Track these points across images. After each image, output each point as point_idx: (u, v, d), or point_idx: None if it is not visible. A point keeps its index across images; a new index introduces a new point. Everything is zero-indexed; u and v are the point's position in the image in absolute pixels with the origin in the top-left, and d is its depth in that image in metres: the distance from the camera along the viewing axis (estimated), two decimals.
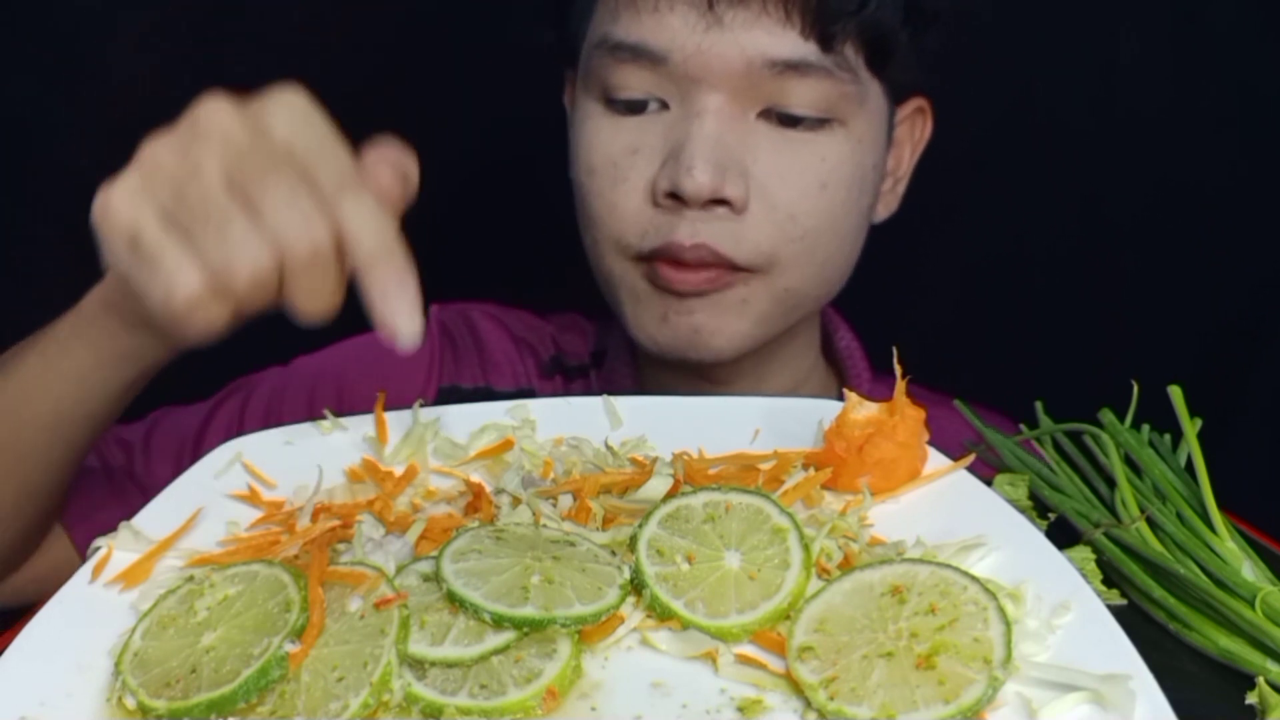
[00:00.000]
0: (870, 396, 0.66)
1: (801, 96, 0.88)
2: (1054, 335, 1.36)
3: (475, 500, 0.64)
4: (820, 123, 0.89)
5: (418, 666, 0.50)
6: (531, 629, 0.51)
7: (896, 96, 0.97)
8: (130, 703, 0.49)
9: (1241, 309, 1.37)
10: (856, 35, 0.88)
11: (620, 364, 1.07)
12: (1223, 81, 1.29)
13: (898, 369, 0.66)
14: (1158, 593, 0.60)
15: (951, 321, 1.38)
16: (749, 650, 0.52)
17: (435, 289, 1.40)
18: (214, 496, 0.66)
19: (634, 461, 0.68)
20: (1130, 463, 0.71)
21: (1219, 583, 0.59)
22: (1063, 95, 1.32)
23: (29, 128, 1.29)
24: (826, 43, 0.86)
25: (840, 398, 1.07)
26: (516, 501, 0.63)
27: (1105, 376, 0.76)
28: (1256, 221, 1.33)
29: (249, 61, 1.29)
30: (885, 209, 1.03)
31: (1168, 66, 1.30)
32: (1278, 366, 1.35)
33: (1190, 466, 0.68)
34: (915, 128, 1.03)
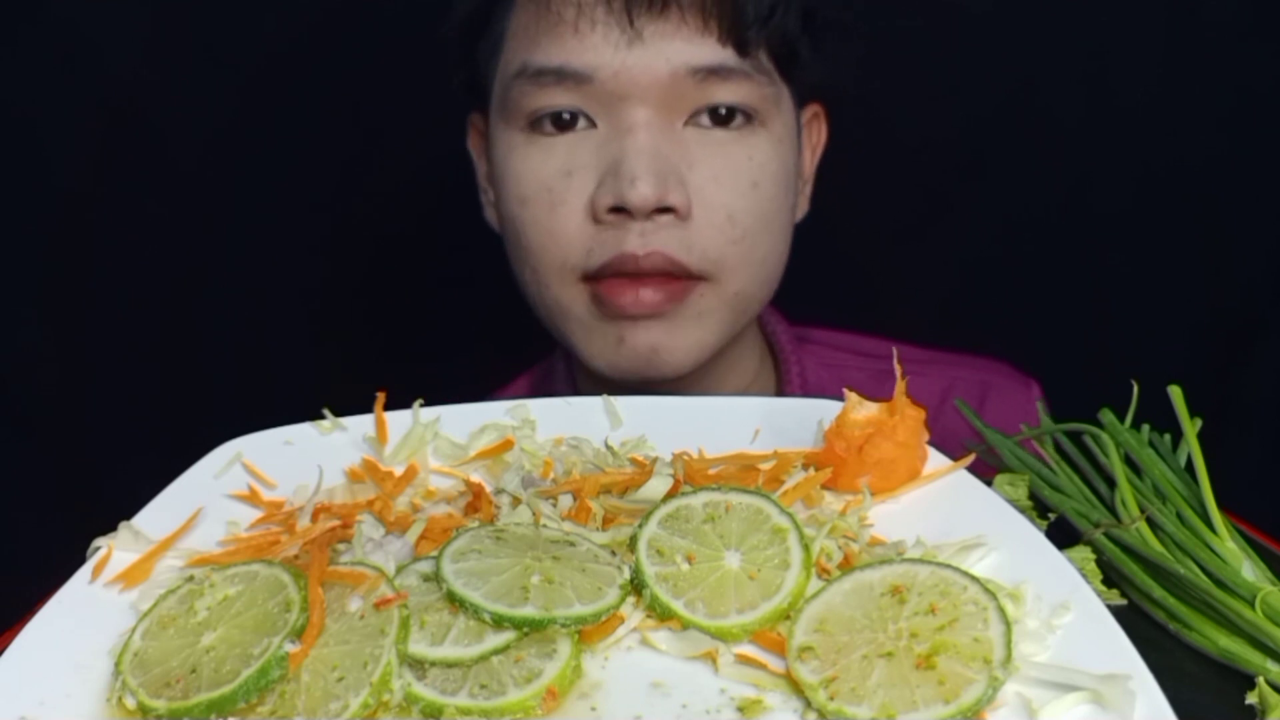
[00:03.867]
0: (869, 396, 0.66)
1: (724, 100, 0.90)
2: (1054, 335, 1.36)
3: (475, 500, 0.64)
4: (745, 121, 0.91)
5: (418, 666, 0.50)
6: (531, 629, 0.51)
7: (799, 101, 0.99)
8: (130, 703, 0.49)
9: (1241, 309, 1.37)
10: (767, 41, 0.91)
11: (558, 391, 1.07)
12: (1220, 79, 1.29)
13: (898, 369, 0.66)
14: (1158, 593, 0.60)
15: (950, 321, 1.38)
16: (749, 650, 0.52)
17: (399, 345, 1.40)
18: (214, 496, 0.66)
19: (634, 461, 0.68)
20: (1130, 463, 0.71)
21: (1219, 583, 0.59)
22: (1061, 94, 1.32)
23: (29, 127, 1.30)
24: (743, 48, 0.89)
25: (780, 386, 1.09)
26: (516, 501, 0.63)
27: (1105, 376, 0.76)
28: (1256, 221, 1.33)
29: (243, 66, 1.30)
30: (800, 211, 1.04)
31: (1163, 64, 1.30)
32: (1277, 366, 1.35)
33: (1190, 466, 0.68)
34: (813, 132, 1.05)
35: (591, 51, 0.88)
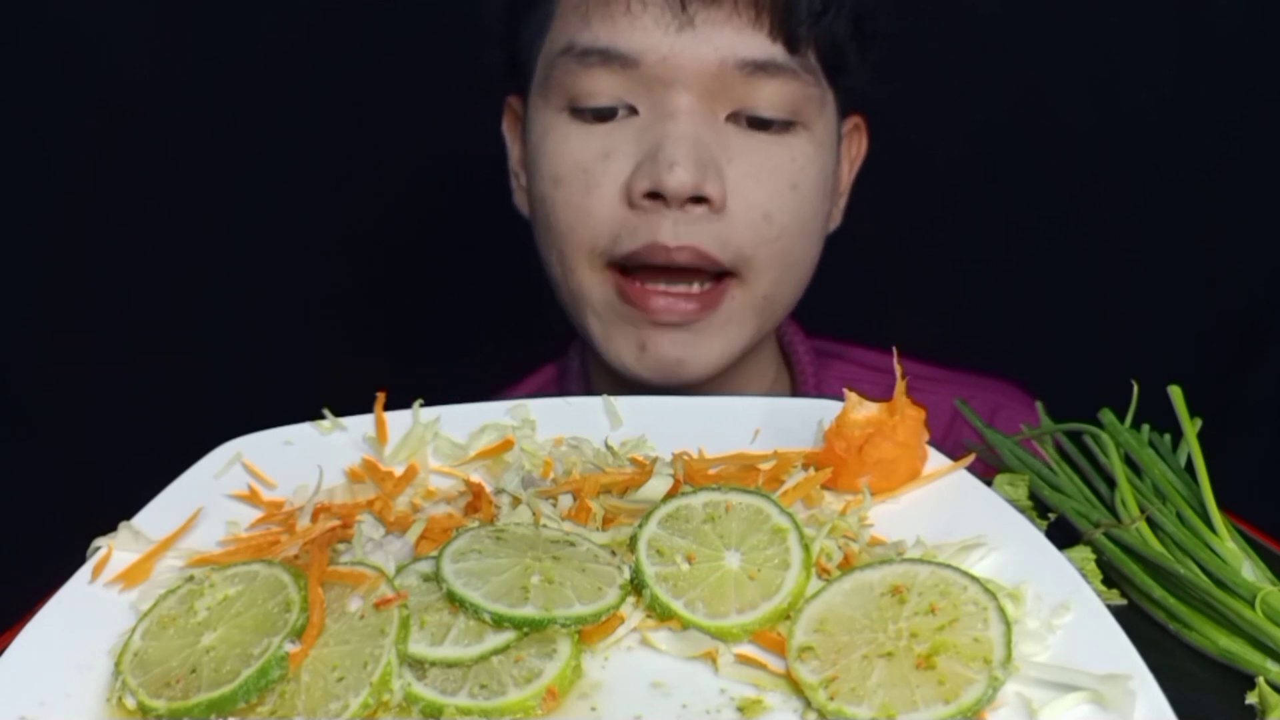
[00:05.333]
0: (869, 396, 0.66)
1: (769, 98, 0.89)
2: (1054, 335, 1.36)
3: (475, 500, 0.64)
4: (787, 125, 0.91)
5: (418, 666, 0.50)
6: (531, 629, 0.51)
7: (843, 110, 0.98)
8: (130, 703, 0.49)
9: (1241, 309, 1.37)
10: (817, 41, 0.90)
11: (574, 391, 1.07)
12: (1225, 81, 1.29)
13: (898, 369, 0.66)
14: (1158, 593, 0.60)
15: (951, 321, 1.38)
16: (749, 650, 0.52)
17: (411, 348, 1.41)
18: (214, 496, 0.66)
19: (634, 461, 0.68)
20: (1130, 463, 0.71)
21: (1219, 583, 0.59)
22: (1063, 95, 1.32)
23: (29, 127, 1.30)
24: (793, 45, 0.88)
25: (793, 395, 1.08)
26: (516, 501, 0.63)
27: (1105, 376, 0.76)
28: (1257, 222, 1.33)
29: (243, 66, 1.30)
30: (832, 222, 1.03)
31: (1169, 66, 1.30)
32: (1278, 366, 1.35)
33: (1190, 466, 0.68)
34: (853, 144, 1.05)
35: (641, 34, 0.87)
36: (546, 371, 1.15)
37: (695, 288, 0.90)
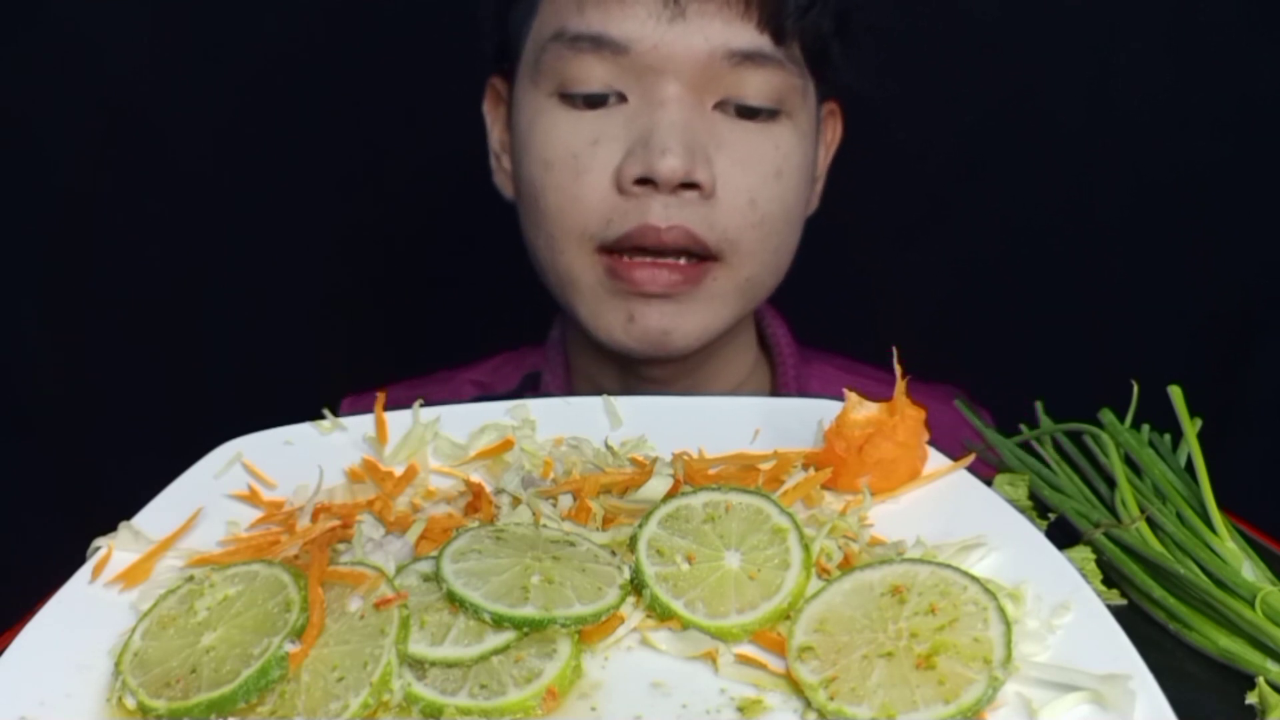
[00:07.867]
0: (870, 396, 0.66)
1: (756, 87, 0.91)
2: (1053, 335, 1.36)
3: (475, 500, 0.64)
4: (772, 114, 0.93)
5: (418, 666, 0.50)
6: (531, 629, 0.51)
7: (820, 97, 1.00)
8: (130, 703, 0.49)
9: (1240, 309, 1.37)
10: (802, 33, 0.92)
11: (554, 385, 1.08)
12: (1218, 81, 1.29)
13: (898, 369, 0.66)
14: (1158, 593, 0.60)
15: (950, 321, 1.38)
16: (749, 650, 0.52)
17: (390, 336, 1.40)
18: (214, 496, 0.66)
19: (634, 461, 0.68)
20: (1130, 463, 0.71)
21: (1219, 583, 0.59)
22: (1057, 94, 1.32)
23: (29, 127, 1.30)
24: (779, 36, 0.90)
25: (775, 388, 1.10)
26: (516, 501, 0.63)
27: (1105, 376, 0.76)
28: (1255, 224, 1.33)
29: (243, 66, 1.30)
30: (810, 207, 1.04)
31: (1165, 66, 1.30)
32: (1276, 367, 1.35)
33: (1190, 466, 0.68)
34: (829, 129, 1.06)
35: (633, 22, 0.89)
36: (520, 351, 1.16)
37: (681, 261, 0.92)
